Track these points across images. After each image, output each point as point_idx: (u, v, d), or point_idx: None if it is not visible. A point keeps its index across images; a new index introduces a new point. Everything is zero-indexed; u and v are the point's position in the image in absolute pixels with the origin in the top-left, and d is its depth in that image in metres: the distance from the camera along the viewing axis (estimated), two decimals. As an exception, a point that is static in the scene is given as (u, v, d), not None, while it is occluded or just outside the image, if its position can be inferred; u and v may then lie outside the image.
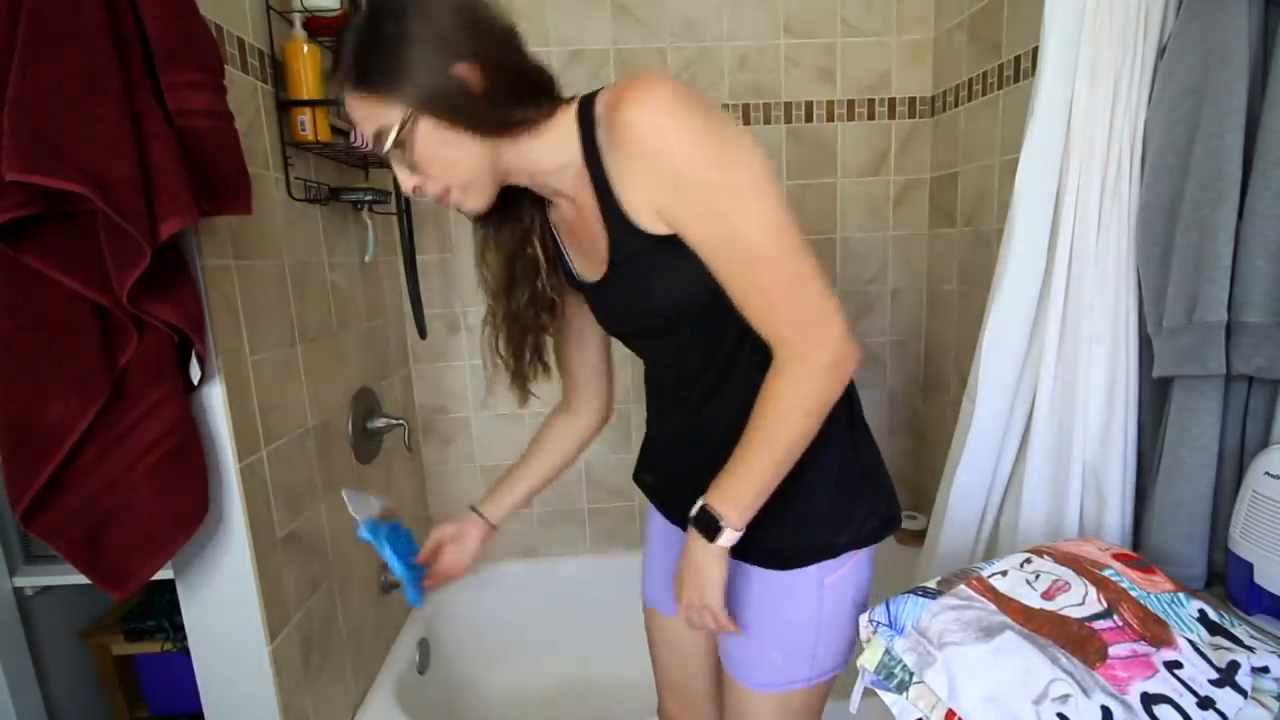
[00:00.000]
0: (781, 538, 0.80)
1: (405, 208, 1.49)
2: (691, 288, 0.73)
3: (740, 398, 0.75)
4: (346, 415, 1.41)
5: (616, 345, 0.94)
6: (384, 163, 0.77)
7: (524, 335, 0.87)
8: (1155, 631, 0.75)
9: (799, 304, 0.67)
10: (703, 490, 0.76)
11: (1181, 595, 0.82)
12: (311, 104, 1.17)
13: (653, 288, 0.76)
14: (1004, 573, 0.87)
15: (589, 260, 0.82)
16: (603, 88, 0.72)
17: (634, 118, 0.65)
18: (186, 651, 1.12)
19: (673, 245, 0.70)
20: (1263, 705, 0.70)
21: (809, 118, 1.78)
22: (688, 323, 0.78)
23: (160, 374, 0.89)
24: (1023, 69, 1.37)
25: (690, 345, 0.80)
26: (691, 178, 0.65)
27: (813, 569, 0.81)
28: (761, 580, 0.83)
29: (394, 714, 1.38)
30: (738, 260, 0.68)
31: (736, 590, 0.83)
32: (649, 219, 0.71)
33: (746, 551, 0.79)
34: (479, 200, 0.74)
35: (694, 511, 0.76)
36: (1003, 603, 0.80)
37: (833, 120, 1.78)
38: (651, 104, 0.64)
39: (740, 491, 0.73)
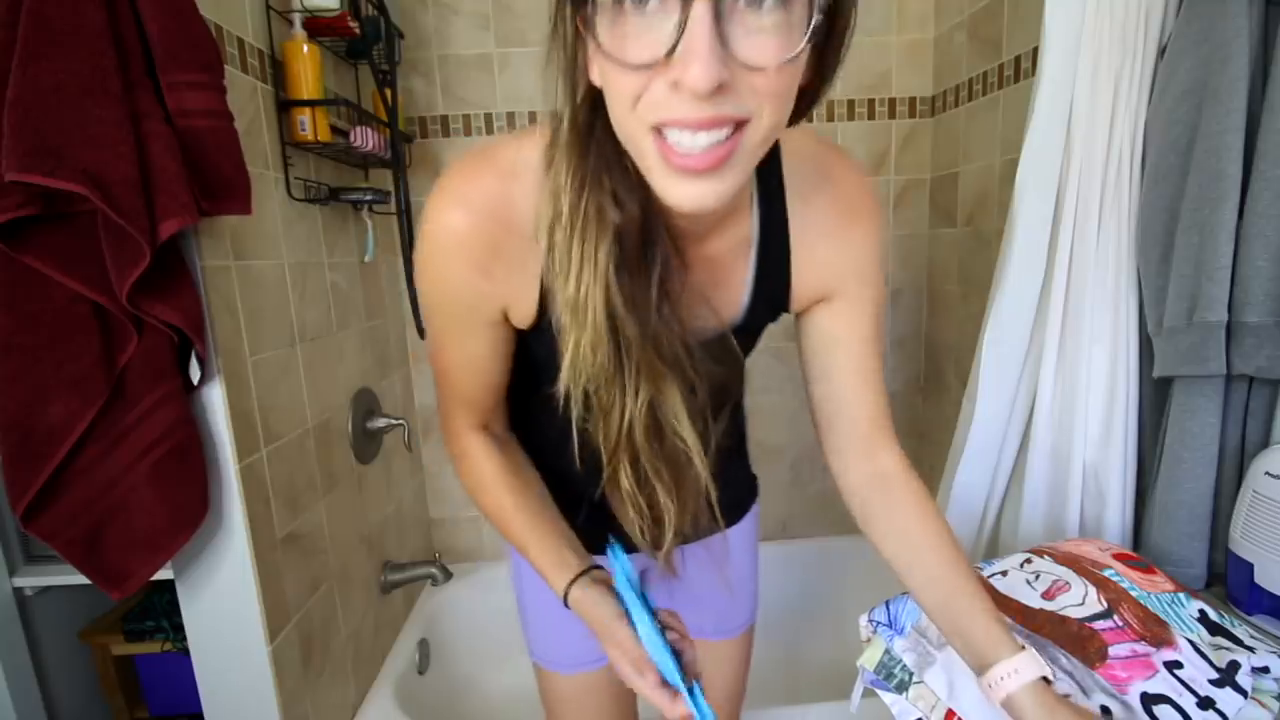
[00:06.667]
0: (749, 480, 0.89)
1: (405, 208, 1.49)
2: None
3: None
4: (346, 415, 1.41)
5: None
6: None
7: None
8: (1155, 632, 0.75)
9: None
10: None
11: (1182, 595, 0.82)
12: (311, 104, 1.17)
13: (741, 358, 0.67)
14: (1004, 573, 0.87)
15: None
16: None
17: (858, 178, 0.60)
18: (186, 651, 1.12)
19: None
20: (1262, 705, 0.70)
21: (809, 117, 1.78)
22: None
23: (160, 374, 0.89)
24: (1023, 69, 1.36)
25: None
26: (881, 263, 0.64)
27: (756, 498, 0.90)
28: (747, 526, 0.89)
29: (394, 714, 1.38)
30: (875, 336, 0.66)
31: (741, 548, 0.88)
32: (806, 296, 0.64)
33: (742, 509, 0.87)
34: (746, 173, 0.47)
35: (1033, 677, 0.60)
36: (1003, 603, 0.80)
37: (833, 120, 1.78)
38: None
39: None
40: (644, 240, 0.51)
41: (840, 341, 0.66)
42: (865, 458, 0.68)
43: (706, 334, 0.61)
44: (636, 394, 0.54)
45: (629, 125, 0.44)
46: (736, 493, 0.88)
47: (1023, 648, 0.62)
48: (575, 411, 0.56)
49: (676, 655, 0.56)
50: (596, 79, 0.47)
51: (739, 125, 0.42)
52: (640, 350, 0.53)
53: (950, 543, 0.65)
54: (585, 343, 0.52)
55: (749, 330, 0.65)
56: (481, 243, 0.54)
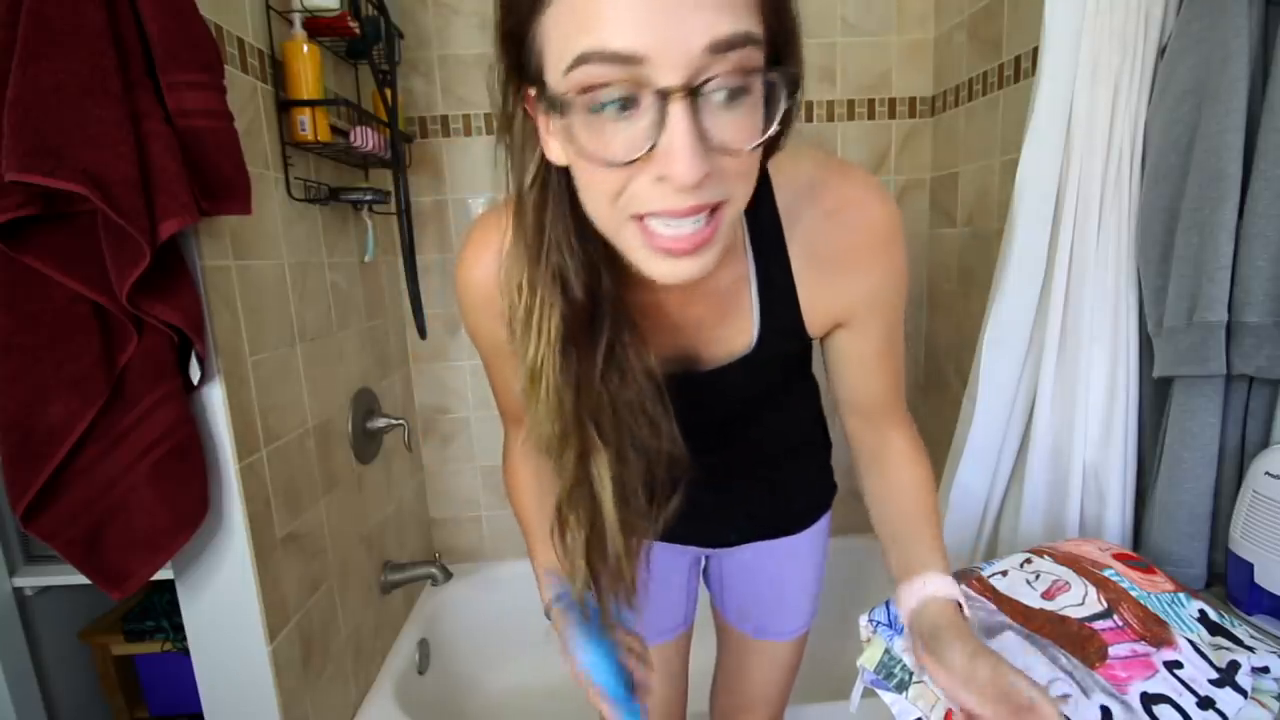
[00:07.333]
0: (819, 492, 0.90)
1: (405, 208, 1.49)
2: (802, 365, 0.77)
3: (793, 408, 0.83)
4: (346, 415, 1.41)
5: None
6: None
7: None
8: (1155, 631, 0.75)
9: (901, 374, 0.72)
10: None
11: (1182, 595, 0.82)
12: (311, 104, 1.17)
13: (763, 383, 0.70)
14: (1004, 573, 0.87)
15: (662, 344, 0.62)
16: None
17: (884, 214, 0.58)
18: (186, 651, 1.12)
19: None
20: (1262, 705, 0.70)
21: (809, 118, 1.78)
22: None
23: (160, 374, 0.89)
24: (1023, 69, 1.36)
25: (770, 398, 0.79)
26: (900, 287, 0.63)
27: (828, 510, 0.91)
28: (811, 536, 0.89)
29: (394, 714, 1.38)
30: (888, 347, 0.67)
31: (802, 556, 0.90)
32: (821, 325, 0.63)
33: (803, 520, 0.88)
34: (725, 244, 0.47)
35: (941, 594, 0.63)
36: (1003, 602, 0.80)
37: (833, 120, 1.78)
38: (887, 197, 0.59)
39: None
40: (592, 316, 0.53)
41: (850, 355, 0.67)
42: (873, 433, 0.72)
43: (718, 363, 0.64)
44: (571, 459, 0.57)
45: (609, 217, 0.46)
46: (803, 502, 0.89)
47: (951, 576, 0.63)
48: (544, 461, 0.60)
49: (629, 676, 0.62)
50: (556, 157, 0.47)
51: (716, 207, 0.44)
52: (576, 422, 0.55)
53: (928, 495, 0.69)
54: (541, 409, 0.55)
55: (765, 359, 0.65)
56: (493, 296, 0.58)
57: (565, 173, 0.48)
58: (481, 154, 1.75)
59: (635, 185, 0.43)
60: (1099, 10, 0.98)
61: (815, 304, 0.61)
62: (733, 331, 0.62)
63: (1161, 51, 0.99)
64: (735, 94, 0.40)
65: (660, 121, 0.39)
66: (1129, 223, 1.02)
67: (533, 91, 0.45)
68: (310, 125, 1.19)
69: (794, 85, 0.42)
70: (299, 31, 1.17)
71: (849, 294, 0.61)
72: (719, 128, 0.40)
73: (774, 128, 0.42)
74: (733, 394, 0.69)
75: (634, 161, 0.41)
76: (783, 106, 0.42)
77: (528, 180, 0.49)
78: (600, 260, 0.52)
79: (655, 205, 0.43)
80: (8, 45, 0.73)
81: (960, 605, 0.62)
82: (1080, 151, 1.02)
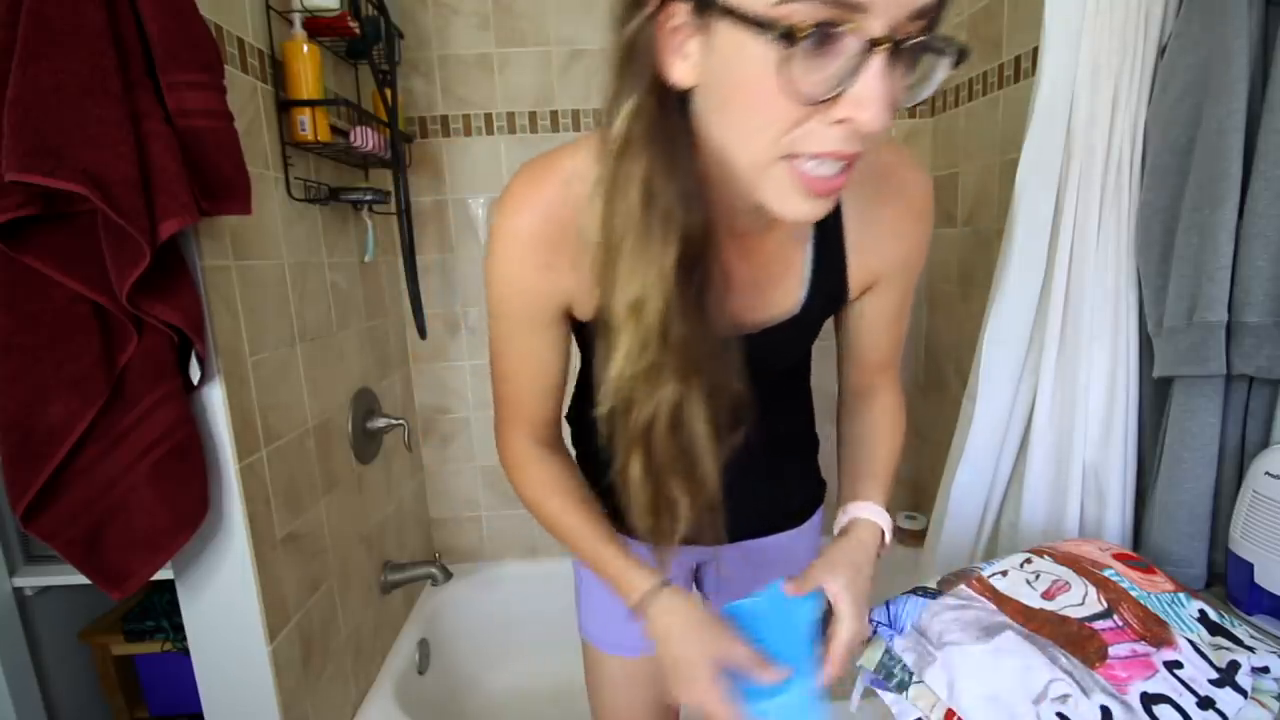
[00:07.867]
0: (813, 487, 0.91)
1: (405, 208, 1.49)
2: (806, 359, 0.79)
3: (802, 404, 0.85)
4: (346, 415, 1.41)
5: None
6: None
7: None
8: (1155, 631, 0.75)
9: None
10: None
11: (1182, 595, 0.82)
12: (311, 104, 1.17)
13: (798, 349, 0.74)
14: (1004, 573, 0.87)
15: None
16: None
17: (925, 184, 0.64)
18: (186, 651, 1.12)
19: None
20: (1263, 705, 0.70)
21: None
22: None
23: (160, 374, 0.89)
24: (1023, 69, 1.36)
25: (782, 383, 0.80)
26: (925, 254, 0.68)
27: (820, 505, 0.93)
28: (807, 532, 0.91)
29: (394, 714, 1.38)
30: (903, 308, 0.72)
31: (799, 554, 0.90)
32: (860, 285, 0.67)
33: (799, 517, 0.89)
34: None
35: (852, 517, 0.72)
36: (1003, 602, 0.80)
37: (833, 120, 1.78)
38: (924, 167, 0.65)
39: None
40: (701, 245, 0.52)
41: (870, 314, 0.71)
42: (867, 387, 0.77)
43: (762, 326, 0.64)
44: (666, 391, 0.56)
45: (763, 151, 0.46)
46: (797, 497, 0.89)
47: (884, 509, 0.71)
48: (608, 404, 0.58)
49: None
50: (681, 78, 0.47)
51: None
52: (678, 349, 0.54)
53: (895, 447, 0.76)
54: (637, 341, 0.54)
55: (808, 322, 0.67)
56: (545, 243, 0.58)
57: (681, 97, 0.48)
58: (481, 154, 1.75)
59: (811, 124, 0.43)
60: (1099, 10, 0.98)
61: (859, 265, 0.64)
62: (780, 294, 0.64)
63: (1161, 51, 0.99)
64: (905, 54, 0.42)
65: (857, 68, 0.41)
66: (1129, 223, 1.02)
67: (684, 5, 0.44)
68: (310, 125, 1.19)
69: (962, 56, 0.44)
70: (299, 31, 1.17)
71: (889, 256, 0.65)
72: (894, 84, 0.43)
73: (932, 88, 0.45)
74: (770, 359, 0.68)
75: (821, 102, 0.42)
76: (946, 73, 0.44)
77: (644, 92, 0.48)
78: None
79: (826, 146, 0.44)
80: (8, 45, 0.73)
81: (883, 532, 0.69)
82: (1080, 151, 1.02)
